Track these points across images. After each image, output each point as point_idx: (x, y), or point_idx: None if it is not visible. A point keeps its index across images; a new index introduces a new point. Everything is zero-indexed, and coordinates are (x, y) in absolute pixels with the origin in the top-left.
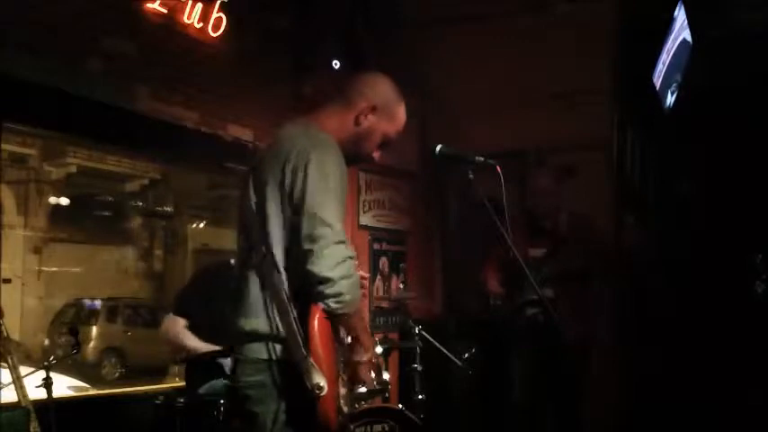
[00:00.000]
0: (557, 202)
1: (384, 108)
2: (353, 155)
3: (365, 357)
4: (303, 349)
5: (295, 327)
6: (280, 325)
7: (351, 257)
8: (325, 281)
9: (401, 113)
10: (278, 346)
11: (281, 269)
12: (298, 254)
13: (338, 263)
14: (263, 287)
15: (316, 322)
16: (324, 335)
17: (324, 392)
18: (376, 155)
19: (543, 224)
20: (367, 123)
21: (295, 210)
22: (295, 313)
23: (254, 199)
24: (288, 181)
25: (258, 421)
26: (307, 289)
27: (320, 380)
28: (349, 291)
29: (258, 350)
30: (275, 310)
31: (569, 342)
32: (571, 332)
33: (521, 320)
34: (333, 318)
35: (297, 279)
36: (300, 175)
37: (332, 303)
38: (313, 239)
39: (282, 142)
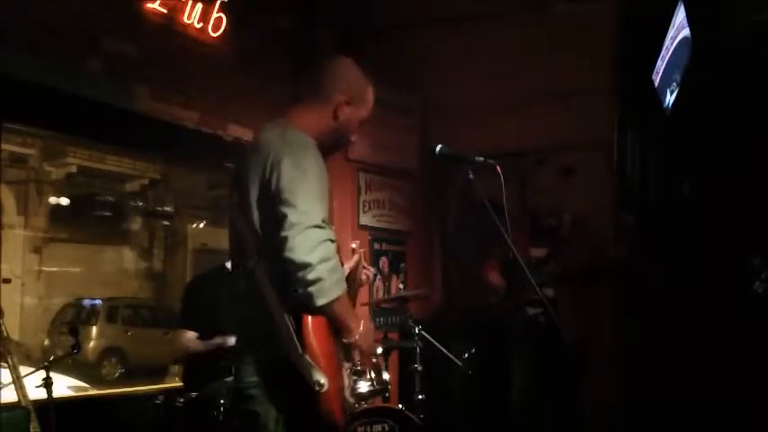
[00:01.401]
0: (558, 202)
1: (357, 97)
2: (334, 145)
3: (351, 339)
4: (299, 348)
5: (289, 325)
6: (275, 326)
7: (330, 240)
8: (304, 266)
9: (371, 96)
10: (277, 346)
11: (271, 269)
12: (276, 243)
13: (315, 246)
14: (257, 290)
15: (309, 319)
16: (319, 330)
17: (324, 389)
18: (353, 138)
19: (545, 224)
20: (344, 116)
21: (274, 205)
22: (287, 313)
23: (239, 204)
24: (267, 184)
25: (261, 421)
26: (288, 280)
27: (319, 377)
28: (329, 275)
29: (258, 351)
30: (269, 312)
31: (569, 342)
32: (571, 332)
33: (521, 320)
34: (316, 312)
35: (280, 272)
36: (276, 173)
37: (313, 292)
38: (288, 226)
39: (261, 147)
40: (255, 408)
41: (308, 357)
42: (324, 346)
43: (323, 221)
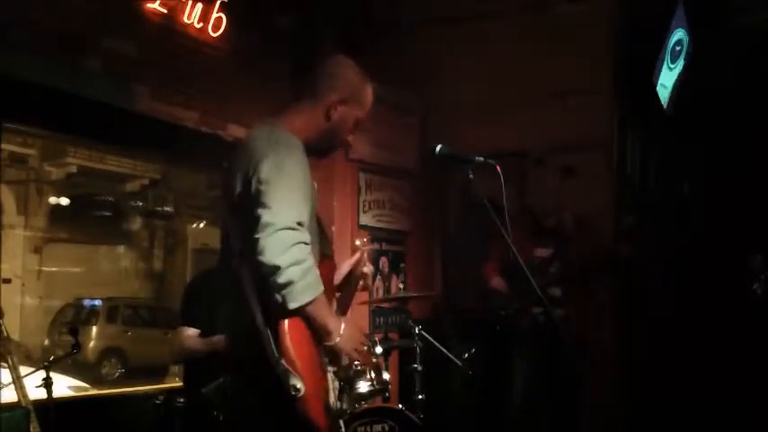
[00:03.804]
0: (558, 202)
1: (353, 95)
2: (329, 146)
3: (331, 342)
4: (275, 352)
5: (266, 329)
6: (257, 328)
7: (303, 243)
8: (274, 269)
9: (369, 95)
10: (258, 348)
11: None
12: (252, 244)
13: (285, 249)
14: (240, 290)
15: (286, 323)
16: (296, 334)
17: (301, 393)
18: (350, 139)
19: (546, 224)
20: (338, 115)
21: (252, 206)
22: (261, 317)
23: (227, 204)
24: (249, 184)
25: (247, 419)
26: (265, 283)
27: (296, 381)
28: (301, 278)
29: (243, 349)
30: (251, 314)
31: (569, 342)
32: (572, 332)
33: (522, 320)
34: (288, 313)
35: (257, 274)
36: (256, 174)
37: (285, 295)
38: (260, 227)
39: (247, 147)
40: (240, 408)
41: (284, 362)
42: (301, 350)
43: (297, 224)
